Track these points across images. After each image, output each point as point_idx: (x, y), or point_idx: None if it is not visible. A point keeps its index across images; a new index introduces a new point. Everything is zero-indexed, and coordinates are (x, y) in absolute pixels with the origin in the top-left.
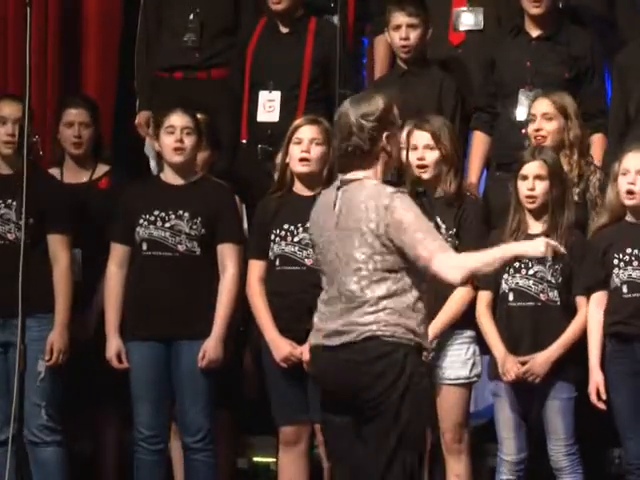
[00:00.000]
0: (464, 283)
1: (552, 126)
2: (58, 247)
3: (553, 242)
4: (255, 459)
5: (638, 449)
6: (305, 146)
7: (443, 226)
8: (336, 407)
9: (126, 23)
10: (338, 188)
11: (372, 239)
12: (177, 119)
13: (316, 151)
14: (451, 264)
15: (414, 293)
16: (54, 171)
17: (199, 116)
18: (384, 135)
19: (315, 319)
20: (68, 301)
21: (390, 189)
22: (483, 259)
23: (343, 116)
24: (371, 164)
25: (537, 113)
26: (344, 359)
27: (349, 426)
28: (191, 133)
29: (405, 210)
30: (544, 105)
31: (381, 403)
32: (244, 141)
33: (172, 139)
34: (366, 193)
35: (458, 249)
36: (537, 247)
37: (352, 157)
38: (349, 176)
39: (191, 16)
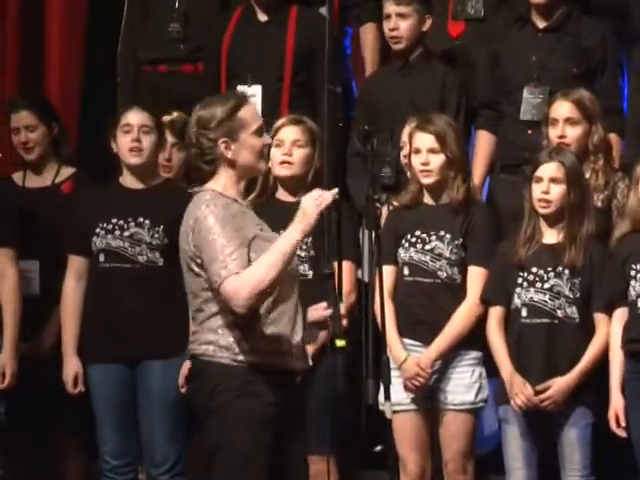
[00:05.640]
0: None
1: (576, 132)
2: (3, 262)
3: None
4: None
5: None
6: (287, 149)
7: (448, 236)
8: None
9: (91, 17)
10: None
11: None
12: (134, 117)
13: (299, 153)
14: None
15: None
16: (17, 175)
17: (176, 114)
18: (220, 142)
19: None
20: (17, 320)
21: None
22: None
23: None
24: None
25: (559, 118)
26: None
27: None
28: (149, 132)
29: None
30: (566, 109)
31: None
32: None
33: (128, 138)
34: None
35: (465, 261)
36: (308, 211)
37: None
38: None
39: (176, 4)
